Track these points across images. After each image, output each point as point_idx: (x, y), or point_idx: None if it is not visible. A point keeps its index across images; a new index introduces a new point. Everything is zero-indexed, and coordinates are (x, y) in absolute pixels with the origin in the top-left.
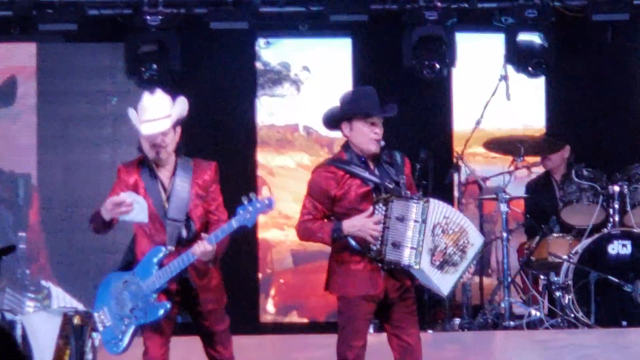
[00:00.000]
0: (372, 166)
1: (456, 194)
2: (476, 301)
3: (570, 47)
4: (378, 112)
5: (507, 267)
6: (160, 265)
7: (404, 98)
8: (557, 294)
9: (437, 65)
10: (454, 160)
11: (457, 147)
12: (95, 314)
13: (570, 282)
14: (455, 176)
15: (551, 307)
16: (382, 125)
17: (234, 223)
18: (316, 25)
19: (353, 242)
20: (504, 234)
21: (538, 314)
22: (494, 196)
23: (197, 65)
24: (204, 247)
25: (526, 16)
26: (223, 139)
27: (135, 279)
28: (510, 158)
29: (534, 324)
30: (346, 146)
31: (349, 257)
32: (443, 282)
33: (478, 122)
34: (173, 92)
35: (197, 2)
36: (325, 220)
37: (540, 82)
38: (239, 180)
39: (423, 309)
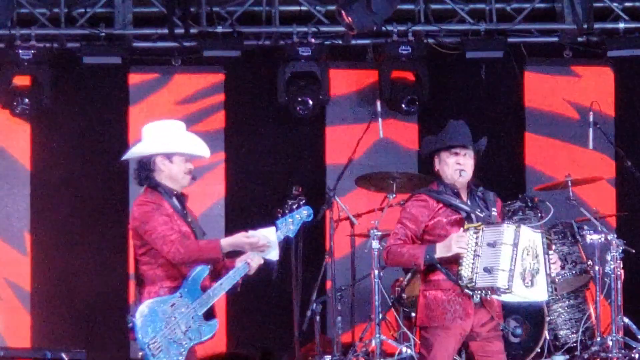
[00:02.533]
0: (464, 197)
1: (328, 230)
2: (347, 339)
3: (444, 84)
4: (457, 142)
5: (379, 304)
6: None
7: (277, 134)
8: None
9: (310, 102)
10: (327, 196)
11: (330, 183)
12: (148, 344)
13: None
14: (328, 212)
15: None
16: (471, 156)
17: (280, 234)
18: (189, 60)
19: (443, 270)
20: (375, 271)
21: (409, 351)
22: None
23: (69, 100)
24: (258, 260)
25: (400, 53)
26: (95, 173)
27: (183, 300)
28: (382, 194)
29: None
30: (438, 178)
31: (439, 287)
32: (538, 293)
33: (351, 159)
34: (44, 127)
35: (70, 36)
36: (417, 243)
37: (414, 119)
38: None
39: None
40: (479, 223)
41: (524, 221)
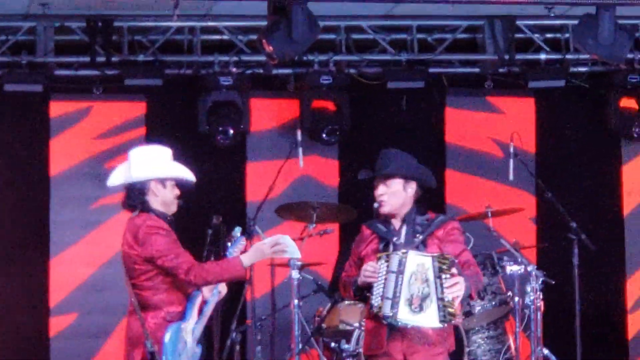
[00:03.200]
0: (396, 225)
1: None
2: None
3: (365, 114)
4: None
5: (298, 334)
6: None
7: (198, 163)
8: None
9: (231, 131)
10: (247, 226)
11: (250, 213)
12: None
13: (360, 350)
14: (249, 243)
15: None
16: (394, 185)
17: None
18: (110, 88)
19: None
20: (295, 301)
21: None
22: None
23: None
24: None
25: (321, 82)
26: (15, 201)
27: (188, 325)
28: (302, 224)
29: None
30: None
31: (369, 315)
32: (428, 318)
33: (271, 189)
34: None
35: None
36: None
37: (334, 149)
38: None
39: None
40: (392, 251)
41: None
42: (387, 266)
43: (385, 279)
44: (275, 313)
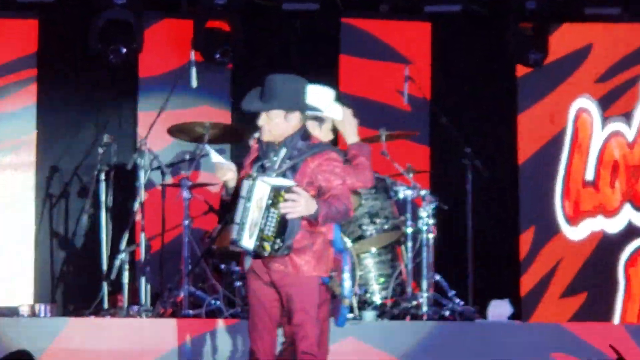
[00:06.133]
0: (270, 154)
1: (142, 180)
2: (157, 288)
3: (259, 37)
4: (244, 106)
5: (188, 255)
6: None
7: (91, 82)
8: (237, 283)
9: (124, 49)
10: (138, 144)
11: (142, 132)
12: None
13: None
14: (140, 161)
15: (230, 296)
16: (267, 116)
17: None
18: (1, 5)
19: None
20: (185, 222)
21: (218, 302)
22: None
23: None
24: None
25: (215, 3)
26: None
27: None
28: (194, 144)
29: (213, 313)
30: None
31: None
32: (250, 246)
33: (162, 107)
34: None
35: None
36: None
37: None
38: None
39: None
40: (250, 175)
41: None
42: (241, 191)
43: (238, 204)
44: (165, 233)
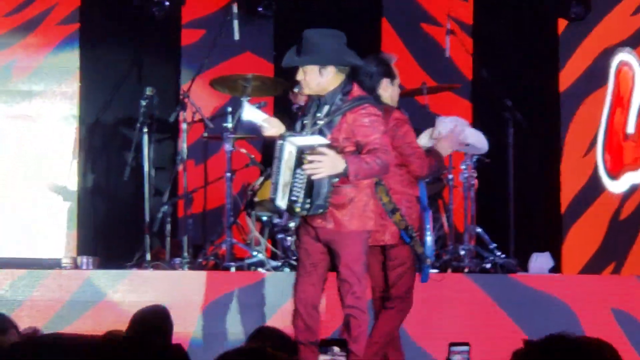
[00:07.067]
0: (311, 110)
1: (183, 131)
2: (199, 241)
3: None
4: (283, 63)
5: (230, 207)
6: None
7: (134, 35)
8: (279, 235)
9: (167, 3)
10: (181, 97)
11: (184, 85)
12: None
13: (292, 225)
14: (182, 114)
15: (273, 249)
16: (303, 71)
17: None
18: None
19: None
20: (228, 174)
21: (260, 255)
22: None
23: None
24: None
25: None
26: None
27: None
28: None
29: (255, 266)
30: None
31: None
32: (284, 205)
33: (205, 61)
34: None
35: None
36: None
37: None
38: None
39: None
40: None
41: None
42: (275, 151)
43: (272, 164)
44: (207, 186)
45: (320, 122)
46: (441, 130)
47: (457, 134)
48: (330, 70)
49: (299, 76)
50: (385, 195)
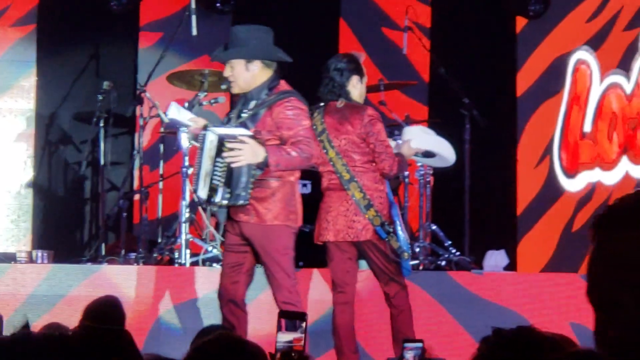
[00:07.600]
0: (248, 105)
1: (138, 126)
2: (155, 236)
3: None
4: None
5: (186, 202)
6: None
7: (92, 30)
8: None
9: None
10: (138, 92)
11: (141, 80)
12: None
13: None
14: (139, 109)
15: None
16: (230, 66)
17: None
18: None
19: None
20: (183, 169)
21: (215, 250)
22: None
23: None
24: None
25: None
26: None
27: None
28: (193, 93)
29: (210, 261)
30: None
31: None
32: (204, 195)
33: (162, 56)
34: None
35: None
36: None
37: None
38: None
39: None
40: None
41: None
42: (198, 142)
43: (197, 155)
44: (163, 181)
45: (244, 115)
46: (406, 137)
47: (421, 137)
48: (257, 64)
49: (227, 72)
50: (359, 191)
